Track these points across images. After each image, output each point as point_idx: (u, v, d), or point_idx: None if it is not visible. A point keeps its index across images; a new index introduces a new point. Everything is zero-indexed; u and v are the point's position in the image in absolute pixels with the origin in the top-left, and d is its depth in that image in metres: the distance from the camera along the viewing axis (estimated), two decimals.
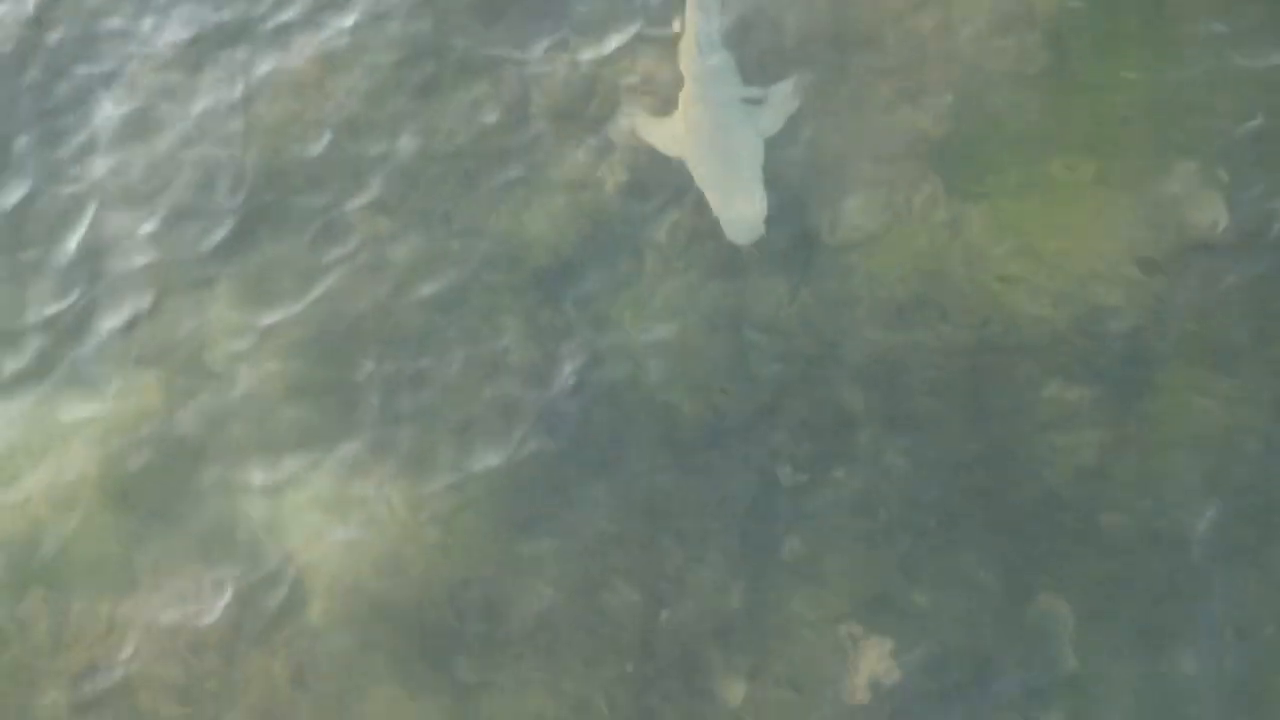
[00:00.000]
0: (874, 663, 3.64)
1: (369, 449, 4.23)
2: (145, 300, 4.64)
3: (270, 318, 4.52)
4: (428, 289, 4.45)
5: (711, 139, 4.20)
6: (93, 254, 4.79)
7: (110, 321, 4.61)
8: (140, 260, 4.73)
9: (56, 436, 4.43)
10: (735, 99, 4.30)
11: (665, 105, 4.44)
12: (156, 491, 4.27)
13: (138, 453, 4.33)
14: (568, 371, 4.22)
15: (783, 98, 4.30)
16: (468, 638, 3.90)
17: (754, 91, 4.34)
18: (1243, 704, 3.42)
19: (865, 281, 4.18)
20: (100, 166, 4.96)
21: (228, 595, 4.05)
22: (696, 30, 4.37)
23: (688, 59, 4.38)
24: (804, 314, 4.16)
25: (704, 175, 4.14)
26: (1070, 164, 4.21)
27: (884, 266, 4.19)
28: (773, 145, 4.26)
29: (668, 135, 4.26)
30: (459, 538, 4.06)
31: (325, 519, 4.15)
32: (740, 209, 4.05)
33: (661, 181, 4.33)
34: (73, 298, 4.69)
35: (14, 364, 4.60)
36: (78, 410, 4.46)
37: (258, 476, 4.24)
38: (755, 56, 4.48)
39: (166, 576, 4.13)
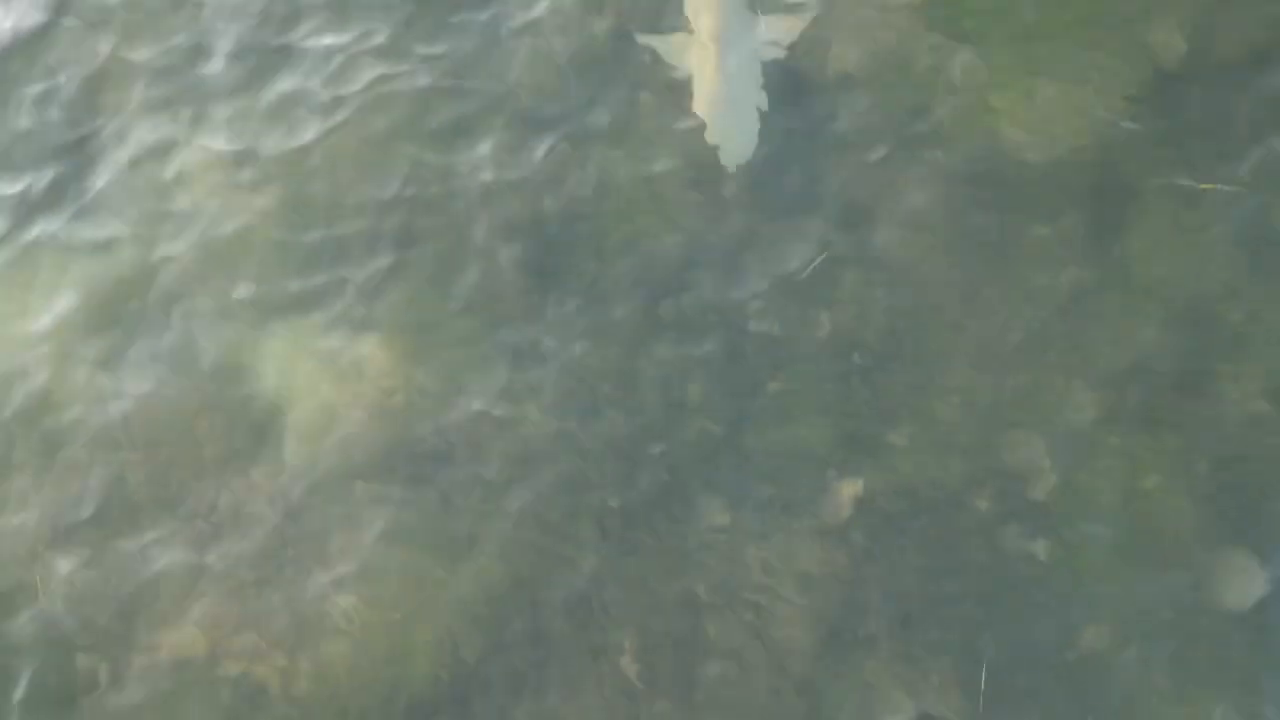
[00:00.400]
0: (848, 491, 3.75)
1: (354, 285, 4.29)
2: (148, 134, 4.65)
3: (261, 157, 4.54)
4: (428, 126, 4.47)
5: (713, 61, 4.19)
6: (94, 87, 4.77)
7: (114, 154, 4.63)
8: (141, 93, 4.70)
9: (48, 267, 4.48)
10: (741, 21, 4.27)
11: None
12: (142, 324, 4.33)
13: (125, 287, 4.38)
14: (553, 209, 4.26)
15: (789, 24, 4.28)
16: (455, 469, 3.98)
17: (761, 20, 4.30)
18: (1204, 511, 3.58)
19: (849, 122, 4.17)
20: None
21: (211, 425, 4.13)
22: None
23: None
24: (787, 154, 4.16)
25: (703, 101, 4.18)
26: (1054, 5, 4.17)
27: (868, 108, 4.18)
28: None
29: (671, 48, 4.30)
30: (441, 371, 4.12)
31: (313, 355, 4.22)
32: (735, 139, 4.10)
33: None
34: (78, 132, 4.69)
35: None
36: (75, 239, 4.52)
37: (244, 312, 4.31)
38: None
39: (152, 411, 4.19)
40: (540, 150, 4.37)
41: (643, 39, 4.36)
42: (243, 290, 4.37)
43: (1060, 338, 3.84)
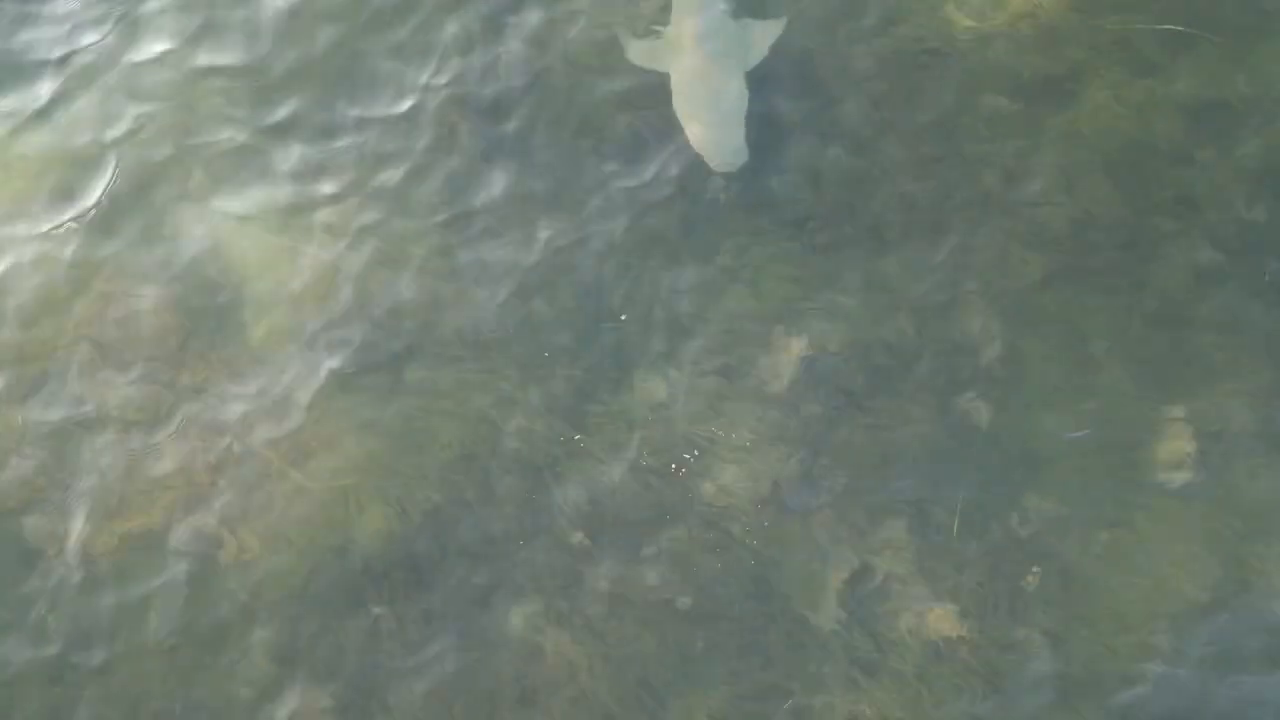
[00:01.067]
0: (799, 352, 3.76)
1: (312, 171, 4.29)
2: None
3: (224, 56, 4.54)
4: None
5: (695, 68, 4.00)
6: None
7: (89, 49, 4.63)
8: None
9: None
10: (723, 25, 4.09)
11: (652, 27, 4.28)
12: (110, 206, 4.33)
13: (94, 170, 4.39)
14: (511, 85, 4.30)
15: (769, 27, 4.10)
16: (407, 344, 3.99)
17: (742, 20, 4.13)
18: (1145, 374, 3.59)
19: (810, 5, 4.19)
20: None
21: (174, 309, 4.14)
22: None
23: None
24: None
25: (685, 107, 3.98)
26: None
27: None
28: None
29: (652, 56, 4.14)
30: (396, 251, 4.12)
31: (267, 233, 4.22)
32: (719, 143, 3.91)
33: None
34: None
35: None
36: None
37: (211, 201, 4.31)
38: None
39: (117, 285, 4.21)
40: (497, 29, 4.37)
41: (624, 41, 4.20)
42: (199, 174, 4.37)
43: (1006, 203, 3.85)
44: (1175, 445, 3.48)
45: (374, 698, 3.53)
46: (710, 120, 3.90)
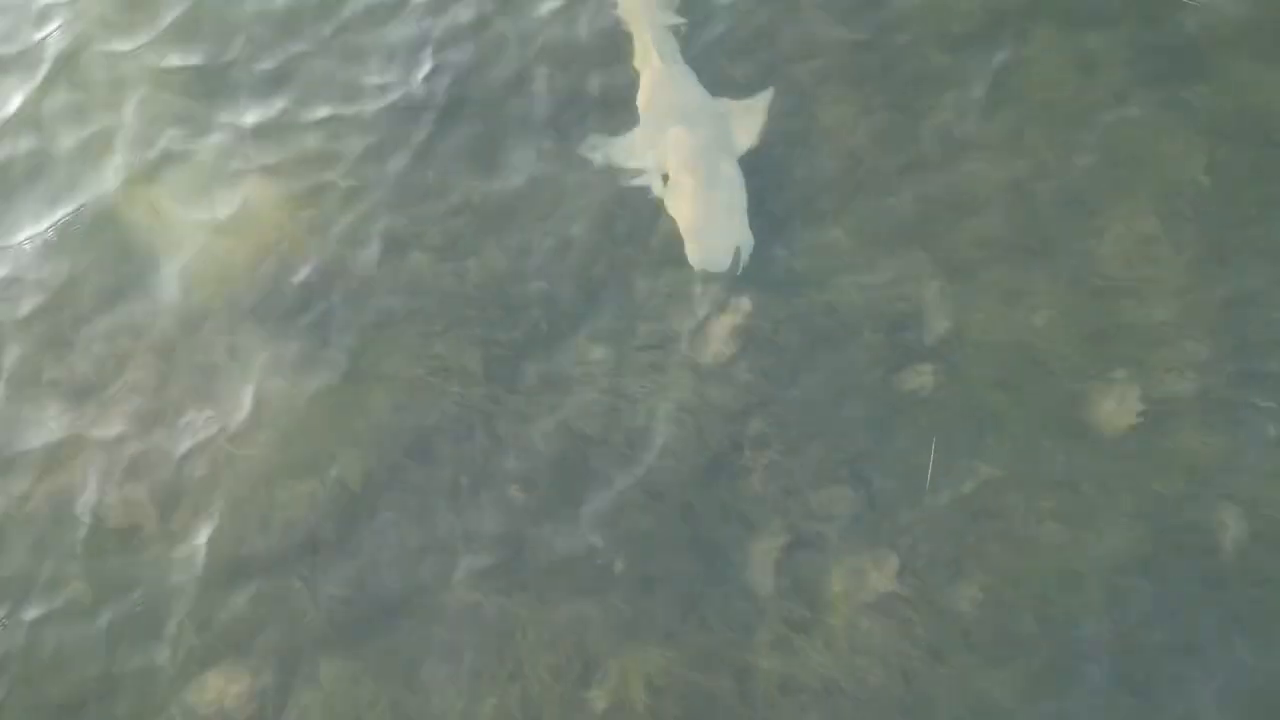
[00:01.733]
0: (733, 321, 3.70)
1: (238, 129, 4.23)
2: None
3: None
4: None
5: (683, 159, 3.59)
6: None
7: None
8: None
9: None
10: (705, 115, 3.71)
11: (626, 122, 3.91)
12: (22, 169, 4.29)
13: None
14: (442, 43, 4.24)
15: (754, 110, 3.76)
16: (336, 306, 3.92)
17: (722, 104, 3.78)
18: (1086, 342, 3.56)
19: None
20: None
21: (93, 271, 4.09)
22: (657, 41, 3.78)
23: (649, 72, 3.79)
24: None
25: (675, 203, 3.60)
26: None
27: None
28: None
29: (632, 154, 3.74)
30: (325, 212, 4.05)
31: (195, 200, 4.17)
32: (715, 242, 3.53)
33: None
34: None
35: None
36: None
37: (131, 157, 4.24)
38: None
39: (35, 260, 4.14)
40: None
41: (595, 142, 3.82)
42: (123, 137, 4.26)
43: (947, 162, 3.80)
44: (1118, 409, 3.45)
45: (300, 671, 3.45)
46: (705, 227, 3.52)
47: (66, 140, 4.31)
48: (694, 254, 3.47)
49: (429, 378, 3.78)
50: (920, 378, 3.56)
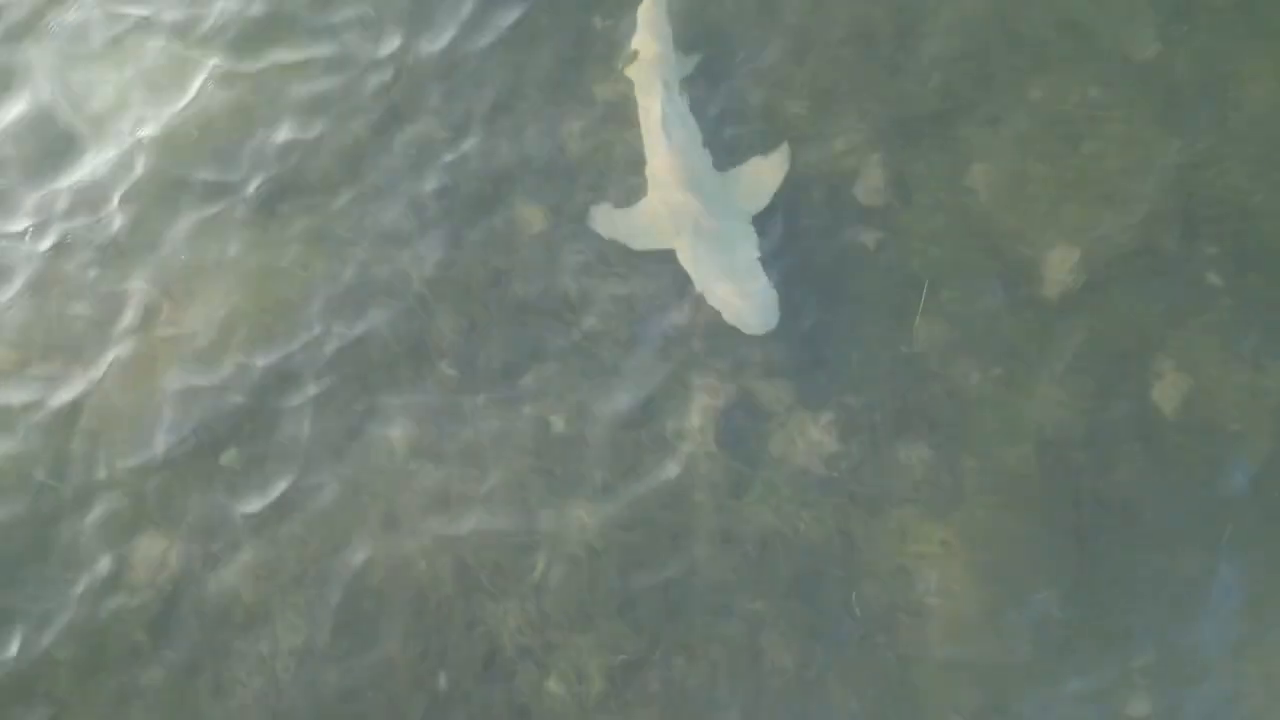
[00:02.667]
0: None
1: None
2: None
3: None
4: None
5: (699, 228, 3.44)
6: None
7: None
8: None
9: None
10: (714, 179, 3.56)
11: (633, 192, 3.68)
12: None
13: None
14: None
15: (762, 170, 3.58)
16: (279, 173, 3.87)
17: (730, 168, 3.61)
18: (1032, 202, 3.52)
19: None
20: None
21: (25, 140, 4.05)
22: (662, 110, 3.55)
23: (655, 143, 3.57)
24: None
25: (699, 272, 3.43)
26: None
27: None
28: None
29: (646, 229, 3.54)
30: (268, 86, 3.99)
31: (135, 71, 4.12)
32: (752, 301, 3.37)
33: None
34: None
35: None
36: None
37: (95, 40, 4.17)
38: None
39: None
40: None
41: (601, 218, 3.60)
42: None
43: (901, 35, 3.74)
44: (1062, 267, 3.41)
45: (227, 539, 3.41)
46: (736, 289, 3.37)
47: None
48: (738, 320, 3.36)
49: (368, 251, 3.75)
50: (866, 240, 3.51)
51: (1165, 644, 2.99)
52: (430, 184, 3.76)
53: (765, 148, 3.60)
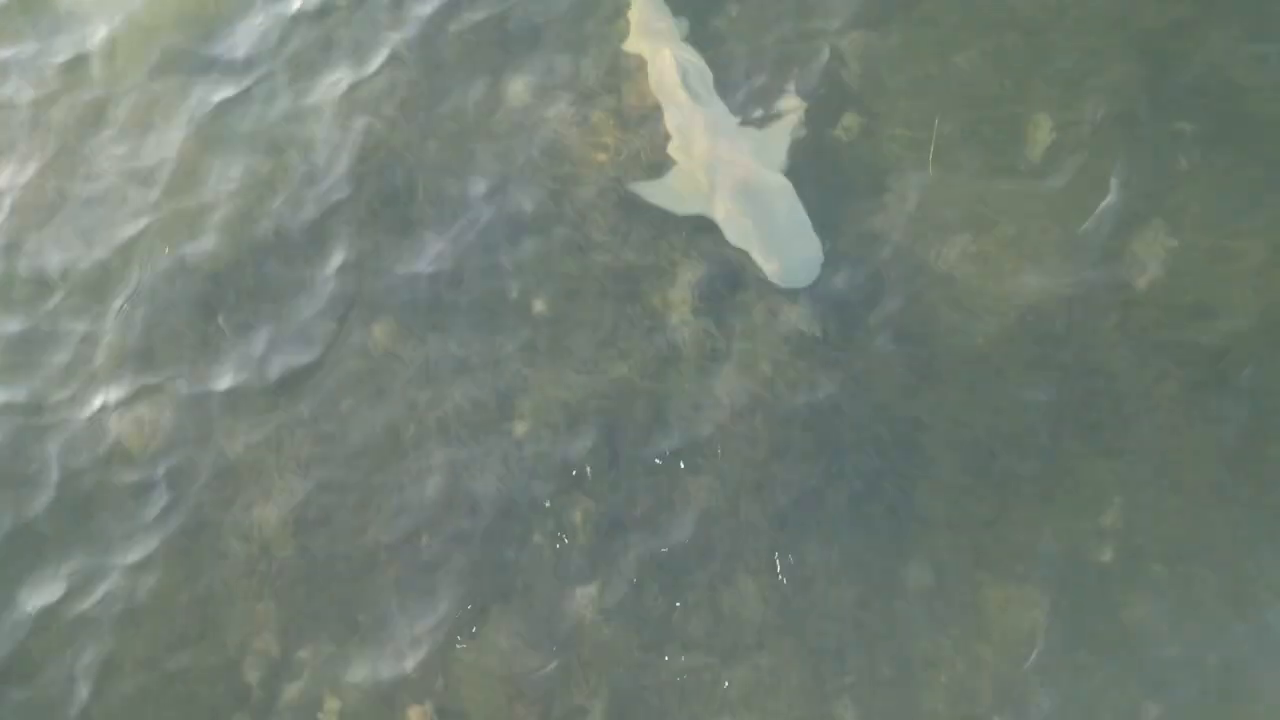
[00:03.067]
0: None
1: None
2: None
3: None
4: None
5: (735, 186, 3.41)
6: None
7: None
8: None
9: None
10: (736, 131, 3.52)
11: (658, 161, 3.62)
12: None
13: None
14: None
15: (780, 120, 3.56)
16: (252, 60, 3.97)
17: (752, 118, 3.58)
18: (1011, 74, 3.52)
19: None
20: None
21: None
22: (678, 68, 3.54)
23: (679, 109, 3.55)
24: None
25: (740, 230, 3.39)
26: None
27: None
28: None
29: (681, 195, 3.50)
30: None
31: None
32: (792, 253, 3.35)
33: None
34: None
35: None
36: None
37: None
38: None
39: None
40: None
41: (639, 188, 3.55)
42: None
43: None
44: (1042, 138, 3.44)
45: (216, 400, 3.53)
46: (778, 242, 3.35)
47: None
48: (777, 274, 3.34)
49: (346, 133, 3.82)
50: (842, 121, 3.54)
51: (1134, 502, 3.05)
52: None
53: (778, 97, 3.60)
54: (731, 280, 3.44)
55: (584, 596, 3.15)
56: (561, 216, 3.59)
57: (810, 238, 3.34)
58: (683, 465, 3.25)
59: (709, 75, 3.61)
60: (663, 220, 3.52)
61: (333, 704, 3.17)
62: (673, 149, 3.56)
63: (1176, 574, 2.95)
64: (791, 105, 3.57)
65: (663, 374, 3.36)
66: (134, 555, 3.40)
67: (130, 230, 3.80)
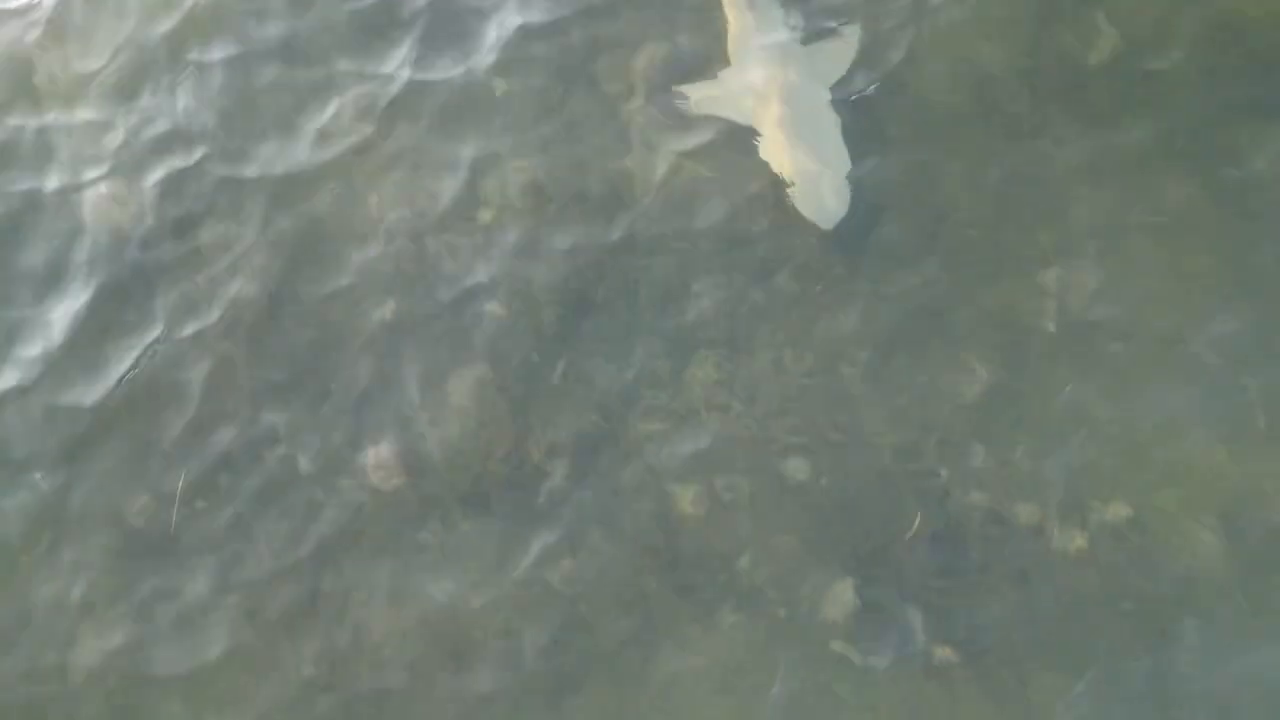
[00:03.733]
0: None
1: None
2: None
3: None
4: None
5: (783, 109, 3.35)
6: None
7: None
8: None
9: None
10: (797, 52, 3.46)
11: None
12: None
13: None
14: None
15: (837, 45, 3.48)
16: None
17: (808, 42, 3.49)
18: None
19: None
20: None
21: None
22: None
23: (736, 16, 3.52)
24: None
25: (778, 156, 3.34)
26: None
27: None
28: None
29: (727, 100, 3.44)
30: None
31: None
32: (824, 195, 3.27)
33: None
34: None
35: None
36: None
37: None
38: None
39: None
40: None
41: (685, 90, 3.48)
42: None
43: None
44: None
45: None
46: (813, 178, 3.28)
47: None
48: (805, 206, 3.27)
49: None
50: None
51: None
52: None
53: (836, 21, 3.54)
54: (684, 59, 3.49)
55: (548, 360, 3.24)
56: None
57: (843, 181, 3.27)
58: (640, 245, 3.34)
59: None
60: None
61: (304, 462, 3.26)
62: (730, 51, 3.52)
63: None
64: (848, 34, 3.49)
65: (619, 152, 3.43)
66: None
67: None
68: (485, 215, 3.44)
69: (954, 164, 3.28)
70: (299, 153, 3.59)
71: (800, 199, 3.28)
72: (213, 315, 3.43)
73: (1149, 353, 3.00)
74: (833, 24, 3.52)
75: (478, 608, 2.99)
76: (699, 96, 3.46)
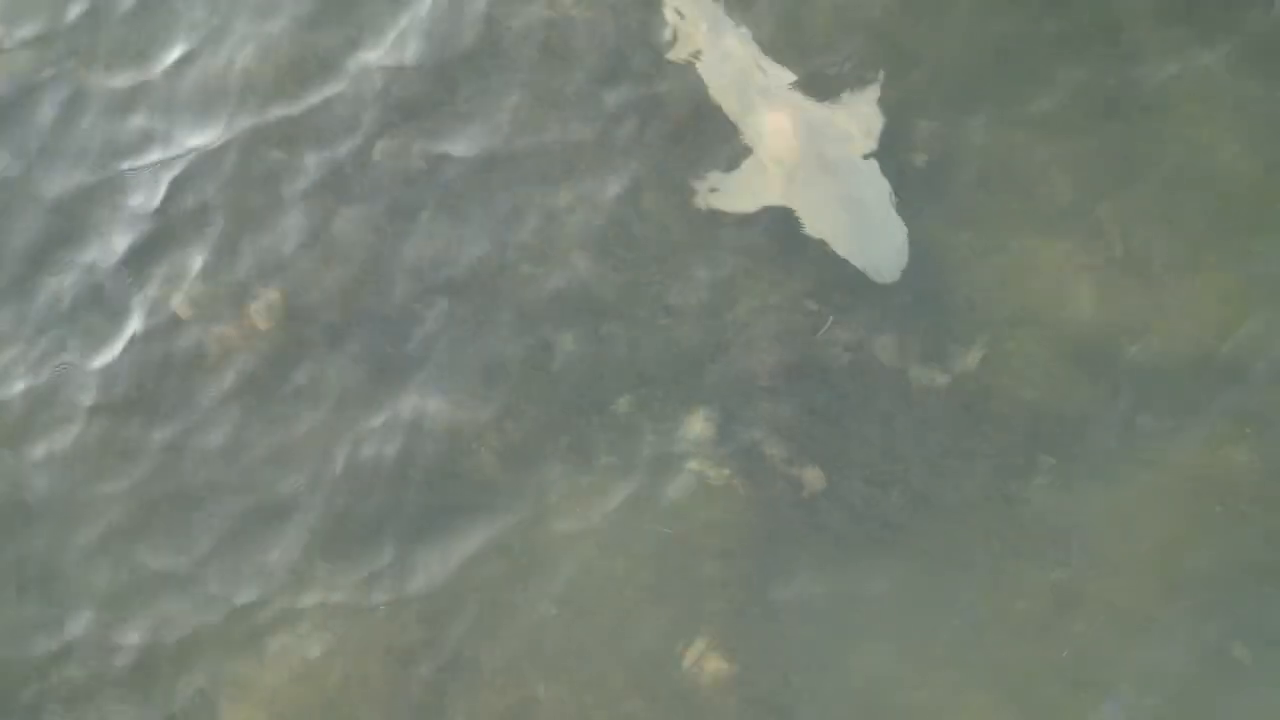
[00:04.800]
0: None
1: None
2: None
3: None
4: None
5: (818, 174, 3.26)
6: None
7: None
8: None
9: None
10: (820, 111, 3.37)
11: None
12: None
13: None
14: None
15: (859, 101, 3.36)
16: None
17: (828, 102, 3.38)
18: None
19: None
20: None
21: None
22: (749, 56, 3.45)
23: (748, 91, 3.42)
24: None
25: (822, 223, 3.25)
26: None
27: None
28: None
29: (757, 190, 3.33)
30: None
31: None
32: (883, 248, 3.20)
33: None
34: None
35: None
36: None
37: None
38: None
39: None
40: None
41: (714, 181, 3.35)
42: None
43: None
44: None
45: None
46: (870, 236, 3.20)
47: None
48: (871, 267, 3.18)
49: None
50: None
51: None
52: None
53: (850, 79, 3.40)
54: None
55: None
56: None
57: (898, 227, 3.17)
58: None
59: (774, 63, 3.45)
60: None
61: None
62: (748, 133, 3.40)
63: None
64: (869, 90, 3.37)
65: None
66: None
67: None
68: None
69: None
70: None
71: (860, 259, 3.19)
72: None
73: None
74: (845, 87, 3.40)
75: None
76: (725, 191, 3.34)
